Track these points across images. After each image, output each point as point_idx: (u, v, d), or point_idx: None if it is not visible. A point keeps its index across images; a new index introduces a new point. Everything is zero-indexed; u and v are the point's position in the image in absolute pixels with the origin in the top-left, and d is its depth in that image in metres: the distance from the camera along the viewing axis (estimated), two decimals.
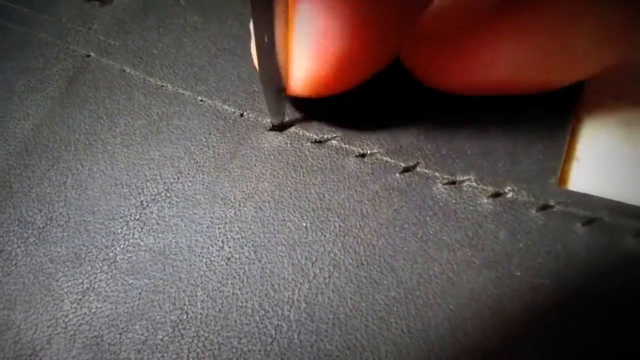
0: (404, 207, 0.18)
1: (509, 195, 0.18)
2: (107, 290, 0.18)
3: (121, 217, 0.20)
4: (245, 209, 0.19)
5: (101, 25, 0.25)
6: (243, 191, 0.19)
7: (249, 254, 0.18)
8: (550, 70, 0.17)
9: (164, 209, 0.19)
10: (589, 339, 0.15)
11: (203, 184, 0.20)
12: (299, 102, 0.21)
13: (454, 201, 0.18)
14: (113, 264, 0.19)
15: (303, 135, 0.20)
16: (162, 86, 0.22)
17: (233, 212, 0.19)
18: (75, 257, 0.19)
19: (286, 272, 0.18)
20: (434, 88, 0.19)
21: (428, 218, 0.18)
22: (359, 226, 0.18)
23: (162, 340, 0.17)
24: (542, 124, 0.19)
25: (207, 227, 0.19)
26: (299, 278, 0.17)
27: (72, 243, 0.19)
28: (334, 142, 0.20)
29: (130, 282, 0.18)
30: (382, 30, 0.17)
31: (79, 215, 0.20)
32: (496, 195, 0.18)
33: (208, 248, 0.18)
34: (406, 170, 0.19)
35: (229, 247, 0.18)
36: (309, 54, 0.17)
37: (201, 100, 0.22)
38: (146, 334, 0.17)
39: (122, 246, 0.19)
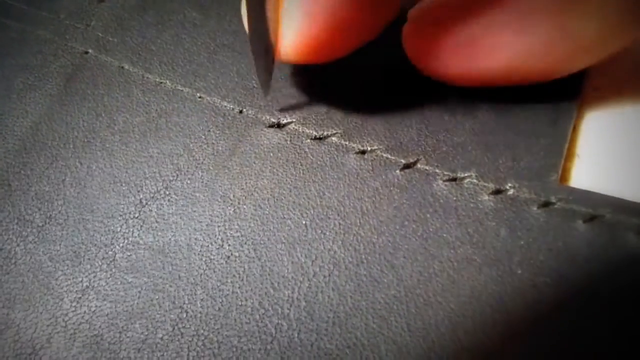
0: (404, 204, 0.18)
1: (510, 192, 0.18)
2: (106, 289, 0.18)
3: (120, 215, 0.19)
4: (244, 206, 0.19)
5: (99, 22, 0.25)
6: (242, 189, 0.19)
7: (249, 252, 0.18)
8: (553, 58, 0.17)
9: (163, 207, 0.19)
10: (591, 336, 0.15)
11: (202, 182, 0.20)
12: (299, 99, 0.21)
13: (454, 198, 0.18)
14: (112, 263, 0.19)
15: (303, 132, 0.20)
16: (161, 83, 0.22)
17: (232, 209, 0.19)
18: (74, 255, 0.19)
19: (286, 271, 0.18)
20: (434, 79, 0.19)
21: (428, 215, 0.18)
22: (359, 224, 0.18)
23: (161, 338, 0.17)
24: (543, 120, 0.19)
25: (207, 225, 0.19)
26: (299, 276, 0.17)
27: (71, 241, 0.19)
28: (333, 138, 0.20)
29: (130, 280, 0.18)
30: None
31: (78, 214, 0.20)
32: (497, 192, 0.18)
33: (207, 246, 0.18)
34: (406, 166, 0.19)
35: (229, 245, 0.18)
36: (299, 18, 0.16)
37: (200, 97, 0.22)
38: (146, 333, 0.17)
39: (121, 244, 0.19)
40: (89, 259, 0.19)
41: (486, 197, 0.18)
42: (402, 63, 0.19)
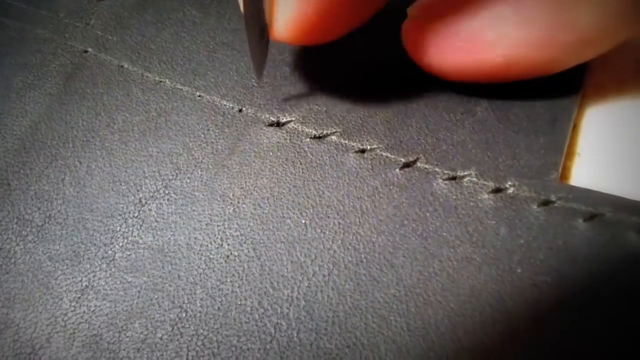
0: (404, 203, 0.18)
1: (510, 190, 0.18)
2: (106, 289, 0.18)
3: (120, 215, 0.19)
4: (244, 205, 0.19)
5: (99, 20, 0.25)
6: (242, 188, 0.19)
7: (248, 252, 0.18)
8: (554, 50, 0.17)
9: (162, 206, 0.19)
10: (591, 335, 0.15)
11: (201, 181, 0.20)
12: (298, 98, 0.21)
13: (454, 197, 0.18)
14: (112, 262, 0.19)
15: (302, 130, 0.20)
16: (161, 82, 0.22)
17: (232, 209, 0.19)
18: (74, 255, 0.19)
19: (285, 270, 0.18)
20: (435, 75, 0.19)
21: (428, 214, 0.18)
22: (358, 223, 0.18)
23: (161, 338, 0.17)
24: (543, 118, 0.19)
25: (206, 224, 0.19)
26: (298, 276, 0.17)
27: (70, 241, 0.19)
28: (333, 137, 0.20)
29: (129, 280, 0.18)
30: None
31: (77, 213, 0.20)
32: (497, 190, 0.18)
33: (207, 245, 0.18)
34: (406, 165, 0.19)
35: (228, 244, 0.18)
36: None
37: (199, 96, 0.21)
38: (145, 333, 0.17)
39: (120, 244, 0.19)
40: (88, 258, 0.19)
41: (486, 196, 0.18)
42: (402, 61, 0.19)
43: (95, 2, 0.25)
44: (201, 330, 0.17)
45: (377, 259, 0.17)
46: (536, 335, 0.15)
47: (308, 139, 0.20)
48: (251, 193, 0.19)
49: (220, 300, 0.17)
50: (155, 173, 0.20)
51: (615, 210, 0.16)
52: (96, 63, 0.23)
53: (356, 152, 0.19)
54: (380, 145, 0.19)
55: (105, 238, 0.19)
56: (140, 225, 0.19)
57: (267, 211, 0.19)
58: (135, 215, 0.19)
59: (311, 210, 0.18)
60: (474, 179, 0.18)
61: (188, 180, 0.20)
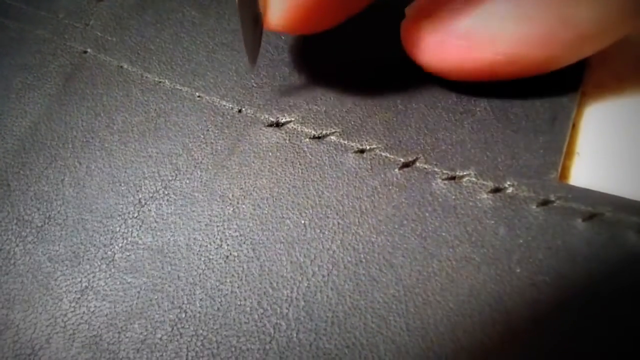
0: (403, 203, 0.18)
1: (509, 190, 0.18)
2: (105, 289, 0.18)
3: (119, 215, 0.19)
4: (243, 206, 0.19)
5: (98, 21, 0.25)
6: (241, 188, 0.19)
7: (248, 252, 0.18)
8: (553, 47, 0.17)
9: (162, 207, 0.19)
10: (590, 335, 0.15)
11: (201, 181, 0.20)
12: (298, 98, 0.21)
13: (453, 197, 0.18)
14: (112, 263, 0.19)
15: (301, 131, 0.20)
16: (160, 82, 0.22)
17: (231, 209, 0.19)
18: (73, 255, 0.19)
19: (285, 270, 0.18)
20: (434, 74, 0.19)
21: (427, 214, 0.18)
22: (357, 223, 0.18)
23: (161, 339, 0.17)
24: (542, 118, 0.19)
25: (206, 225, 0.19)
26: (298, 276, 0.17)
27: (70, 242, 0.19)
28: (332, 137, 0.20)
29: (129, 280, 0.18)
30: None
31: (77, 214, 0.20)
32: (496, 190, 0.18)
33: (206, 246, 0.18)
34: (405, 165, 0.19)
35: (228, 245, 0.18)
36: None
37: (199, 96, 0.21)
38: (145, 333, 0.17)
39: (120, 245, 0.19)
40: (88, 259, 0.19)
41: (485, 196, 0.18)
42: (401, 61, 0.19)
43: (94, 2, 0.25)
44: (201, 331, 0.17)
45: (376, 259, 0.17)
46: (535, 335, 0.15)
47: (307, 139, 0.20)
48: (250, 193, 0.19)
49: (219, 300, 0.17)
50: (155, 174, 0.20)
51: (614, 210, 0.16)
52: (96, 64, 0.23)
53: (355, 152, 0.19)
54: (380, 145, 0.19)
55: (105, 239, 0.19)
56: (140, 226, 0.19)
57: (266, 211, 0.19)
58: (135, 215, 0.19)
59: (310, 211, 0.18)
60: (473, 179, 0.18)
61: (187, 181, 0.20)
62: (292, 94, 0.21)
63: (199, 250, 0.18)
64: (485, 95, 0.19)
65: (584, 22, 0.16)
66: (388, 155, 0.19)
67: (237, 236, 0.18)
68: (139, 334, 0.17)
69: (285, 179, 0.19)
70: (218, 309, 0.17)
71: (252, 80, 0.21)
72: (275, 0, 0.17)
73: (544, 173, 0.18)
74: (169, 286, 0.18)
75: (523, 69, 0.18)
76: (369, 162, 0.19)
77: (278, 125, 0.20)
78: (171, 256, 0.18)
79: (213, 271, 0.18)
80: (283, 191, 0.19)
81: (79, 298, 0.18)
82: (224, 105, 0.21)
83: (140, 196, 0.20)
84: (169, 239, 0.19)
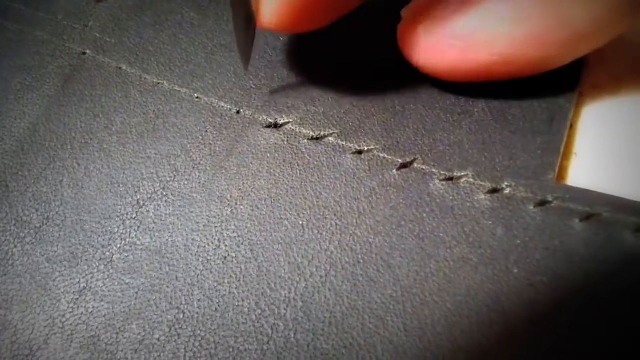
0: (401, 204, 0.18)
1: (507, 191, 0.18)
2: (104, 290, 0.18)
3: (118, 216, 0.19)
4: (241, 207, 0.19)
5: (97, 22, 0.25)
6: (239, 189, 0.19)
7: (246, 253, 0.18)
8: (550, 46, 0.17)
9: (160, 208, 0.19)
10: (588, 336, 0.15)
11: (199, 182, 0.20)
12: (296, 100, 0.21)
13: (451, 198, 0.18)
14: (110, 264, 0.19)
15: (300, 132, 0.20)
16: (159, 83, 0.22)
17: (229, 210, 0.19)
18: (72, 256, 0.19)
19: (283, 271, 0.18)
20: (431, 75, 0.19)
21: (425, 215, 0.18)
22: (355, 224, 0.18)
23: (159, 339, 0.17)
24: (540, 118, 0.19)
25: (204, 225, 0.19)
26: (296, 277, 0.17)
27: (68, 242, 0.19)
28: (330, 138, 0.20)
29: (127, 281, 0.18)
30: None
31: (75, 215, 0.20)
32: (494, 191, 0.18)
33: (205, 247, 0.18)
34: (403, 166, 0.19)
35: (226, 245, 0.18)
36: None
37: (197, 98, 0.22)
38: (143, 334, 0.17)
39: (118, 245, 0.19)
40: (86, 260, 0.19)
41: (483, 197, 0.18)
42: (398, 63, 0.19)
43: (93, 4, 0.25)
44: (199, 332, 0.17)
45: (374, 259, 0.17)
46: (533, 336, 0.15)
47: (305, 140, 0.20)
48: (249, 194, 0.19)
49: (217, 301, 0.17)
50: (153, 175, 0.20)
51: (612, 210, 0.16)
52: (94, 65, 0.23)
53: (353, 153, 0.19)
54: (378, 147, 0.19)
55: (103, 240, 0.19)
56: (138, 227, 0.19)
57: (264, 212, 0.19)
58: (133, 216, 0.19)
59: (308, 211, 0.18)
60: (471, 180, 0.18)
61: (186, 182, 0.20)
62: (290, 95, 0.21)
63: (197, 251, 0.18)
64: (483, 96, 0.19)
65: (579, 21, 0.16)
66: (386, 156, 0.19)
67: (235, 237, 0.18)
68: (137, 334, 0.17)
69: (283, 180, 0.19)
70: (216, 309, 0.17)
71: (251, 82, 0.21)
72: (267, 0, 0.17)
73: (542, 174, 0.18)
74: (167, 287, 0.18)
75: (519, 69, 0.18)
76: (366, 163, 0.19)
77: (276, 126, 0.20)
78: (169, 257, 0.18)
79: (211, 272, 0.18)
80: (281, 192, 0.19)
81: (77, 299, 0.18)
82: (223, 107, 0.21)
83: (138, 197, 0.20)
84: (167, 239, 0.19)
